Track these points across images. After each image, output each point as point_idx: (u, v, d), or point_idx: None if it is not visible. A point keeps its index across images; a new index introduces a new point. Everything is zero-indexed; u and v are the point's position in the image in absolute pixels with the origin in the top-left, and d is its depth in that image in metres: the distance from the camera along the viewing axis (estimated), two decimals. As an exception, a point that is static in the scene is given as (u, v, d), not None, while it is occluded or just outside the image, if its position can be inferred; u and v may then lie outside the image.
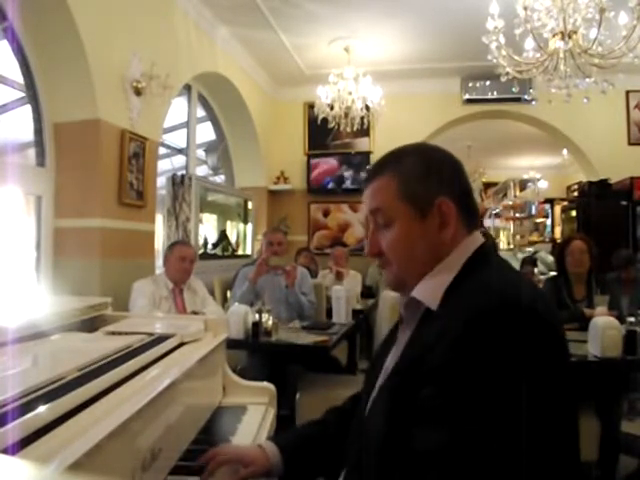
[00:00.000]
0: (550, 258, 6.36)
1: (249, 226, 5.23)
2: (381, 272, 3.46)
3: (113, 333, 1.21)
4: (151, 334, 1.19)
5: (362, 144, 5.80)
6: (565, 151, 6.81)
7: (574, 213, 5.82)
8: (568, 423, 0.72)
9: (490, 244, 0.88)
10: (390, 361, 0.87)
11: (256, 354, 2.84)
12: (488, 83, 5.39)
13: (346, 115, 4.68)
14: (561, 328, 0.77)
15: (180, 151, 4.66)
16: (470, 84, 5.48)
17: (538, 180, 9.18)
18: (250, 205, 5.24)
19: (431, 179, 0.85)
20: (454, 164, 0.89)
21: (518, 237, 8.57)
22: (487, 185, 10.56)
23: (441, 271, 0.83)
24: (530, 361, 0.67)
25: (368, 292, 4.64)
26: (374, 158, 5.73)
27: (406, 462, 0.70)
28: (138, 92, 3.11)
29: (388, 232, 0.87)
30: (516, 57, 3.01)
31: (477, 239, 0.87)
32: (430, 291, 0.81)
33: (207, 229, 4.36)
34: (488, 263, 0.83)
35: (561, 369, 0.71)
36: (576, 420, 0.74)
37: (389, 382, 0.81)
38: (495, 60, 3.00)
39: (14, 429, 0.60)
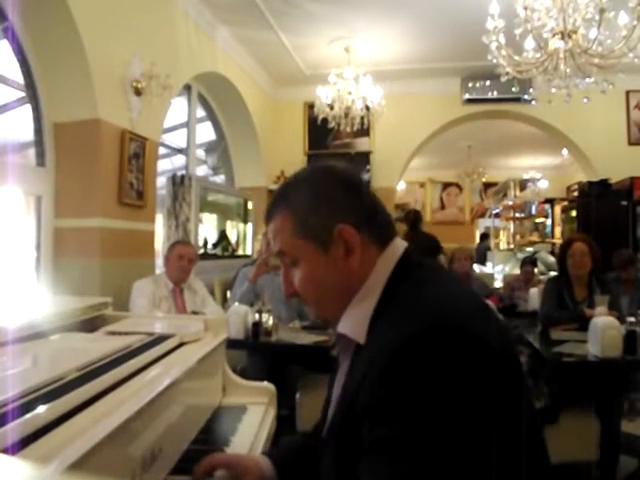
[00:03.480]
0: (550, 258, 6.36)
1: (249, 226, 5.22)
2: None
3: (113, 333, 1.21)
4: (151, 334, 1.19)
5: (362, 144, 5.79)
6: (565, 151, 6.82)
7: (574, 213, 5.82)
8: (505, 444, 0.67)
9: (412, 255, 0.83)
10: (337, 388, 0.85)
11: (256, 354, 2.84)
12: (488, 83, 5.39)
13: (346, 115, 4.68)
14: (494, 340, 0.70)
15: (180, 151, 4.66)
16: (470, 84, 5.48)
17: (538, 180, 9.18)
18: (250, 205, 5.23)
19: (323, 208, 0.80)
20: (347, 183, 0.83)
21: (518, 237, 8.56)
22: (487, 185, 10.57)
23: (362, 299, 0.79)
24: (459, 382, 0.64)
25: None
26: (374, 158, 5.74)
27: None
28: (138, 92, 3.11)
29: (297, 271, 0.83)
30: (516, 57, 3.01)
31: (396, 251, 0.81)
32: (355, 324, 0.78)
33: (207, 229, 4.36)
34: (410, 280, 0.78)
35: (494, 383, 0.66)
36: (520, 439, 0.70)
37: (333, 424, 0.79)
38: (495, 60, 3.00)
39: (14, 429, 0.60)
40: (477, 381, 0.65)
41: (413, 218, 5.22)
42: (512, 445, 0.67)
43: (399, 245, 0.83)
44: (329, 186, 0.83)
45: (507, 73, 3.02)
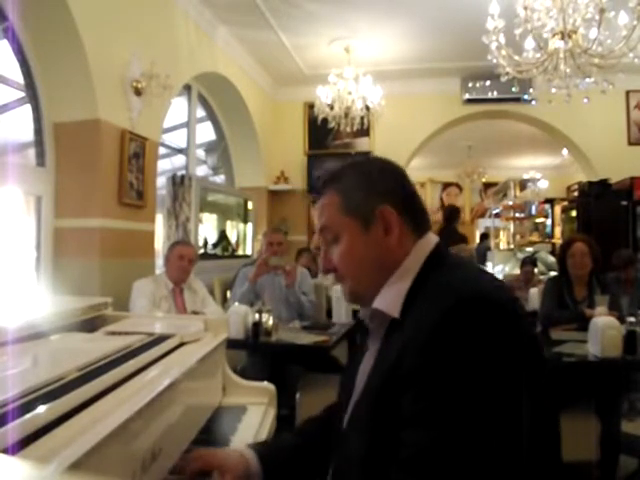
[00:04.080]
0: (550, 258, 6.36)
1: (249, 226, 5.23)
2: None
3: (113, 333, 1.21)
4: (151, 334, 1.19)
5: (362, 144, 5.79)
6: (565, 151, 6.81)
7: (574, 213, 5.82)
8: (540, 411, 0.74)
9: (443, 246, 0.90)
10: (362, 373, 0.87)
11: (256, 354, 2.84)
12: (488, 83, 5.39)
13: (346, 115, 4.68)
14: (525, 318, 0.79)
15: (180, 151, 4.66)
16: (470, 84, 5.48)
17: (538, 180, 9.18)
18: (250, 205, 5.23)
19: (370, 189, 0.87)
20: (393, 172, 0.92)
21: (518, 237, 8.56)
22: (487, 185, 10.56)
23: (398, 279, 0.84)
24: (496, 352, 0.69)
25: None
26: (374, 158, 5.73)
27: (392, 471, 0.70)
28: (138, 92, 3.11)
29: (337, 247, 0.89)
30: (516, 57, 3.01)
31: (430, 241, 0.88)
32: (390, 300, 0.83)
33: (207, 229, 4.36)
34: (444, 264, 0.85)
35: (526, 354, 0.73)
36: (552, 411, 0.77)
37: (366, 396, 0.81)
38: (495, 60, 3.00)
39: (14, 429, 0.60)
40: (513, 349, 0.71)
41: (449, 214, 5.58)
42: (540, 415, 0.73)
43: (433, 238, 0.89)
44: (376, 171, 0.91)
45: (507, 73, 3.02)
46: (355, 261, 0.88)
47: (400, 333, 0.77)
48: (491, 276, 0.90)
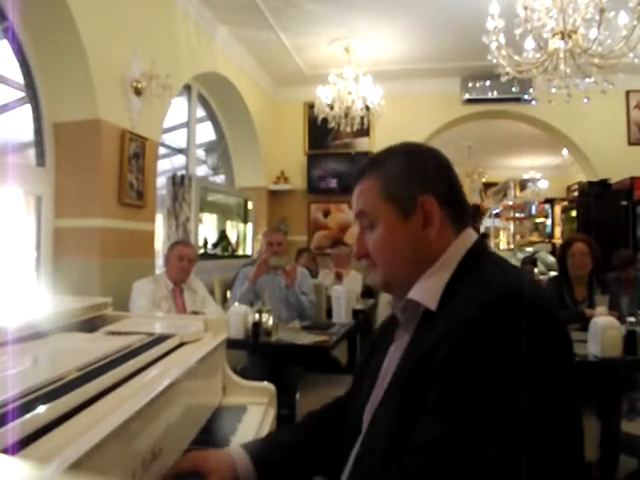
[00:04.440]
0: (550, 258, 6.37)
1: (249, 226, 5.23)
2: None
3: (113, 333, 1.21)
4: (151, 334, 1.19)
5: (362, 144, 5.79)
6: (565, 151, 6.81)
7: (574, 213, 5.82)
8: (571, 417, 0.73)
9: (484, 242, 0.88)
10: (389, 365, 0.86)
11: (256, 354, 2.84)
12: (488, 83, 5.39)
13: (346, 115, 4.68)
14: (564, 323, 0.77)
15: (180, 151, 4.66)
16: (470, 84, 5.48)
17: (538, 180, 9.19)
18: (250, 205, 5.24)
19: (413, 178, 0.85)
20: (439, 162, 0.89)
21: (518, 237, 8.57)
22: (487, 185, 10.57)
23: (436, 271, 0.82)
24: (534, 353, 0.68)
25: (369, 292, 4.64)
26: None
27: (404, 454, 0.70)
28: (138, 92, 3.11)
29: (373, 233, 0.86)
30: (516, 57, 3.01)
31: (470, 237, 0.86)
32: (427, 292, 0.81)
33: (207, 229, 4.36)
34: (484, 260, 0.83)
35: (565, 362, 0.72)
36: (579, 415, 0.75)
37: (395, 387, 0.80)
38: (495, 60, 3.00)
39: (14, 429, 0.60)
40: (546, 351, 0.69)
41: (473, 212, 5.61)
42: (571, 416, 0.73)
43: (473, 233, 0.88)
44: (423, 160, 0.88)
45: (507, 73, 3.02)
46: (390, 249, 0.85)
47: (435, 325, 0.75)
48: (531, 278, 0.92)
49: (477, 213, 5.98)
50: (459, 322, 0.71)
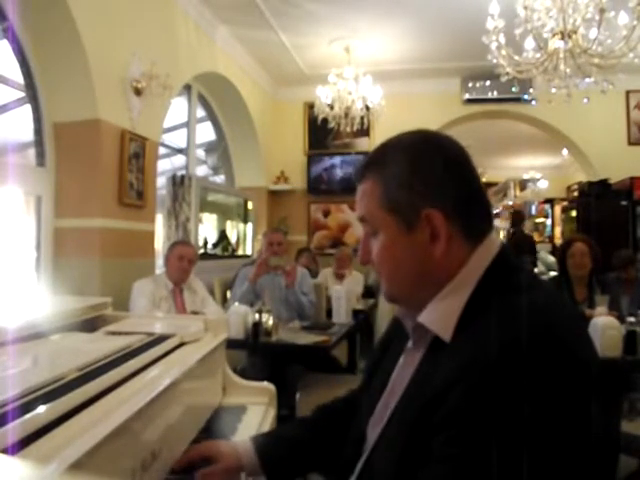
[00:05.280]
0: (550, 258, 6.36)
1: (249, 226, 5.23)
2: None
3: (113, 333, 1.21)
4: (151, 334, 1.19)
5: (362, 144, 5.79)
6: (565, 151, 6.81)
7: (574, 213, 5.82)
8: (594, 471, 0.64)
9: (509, 254, 0.77)
10: (395, 383, 0.80)
11: (256, 354, 2.84)
12: (488, 83, 5.40)
13: (346, 115, 4.68)
14: (594, 364, 0.66)
15: (180, 151, 4.66)
16: (470, 84, 5.48)
17: (538, 180, 9.19)
18: (250, 205, 5.24)
19: (417, 186, 0.75)
20: (450, 160, 0.77)
21: (518, 237, 8.55)
22: (487, 185, 10.56)
23: (451, 293, 0.73)
24: (562, 416, 0.59)
25: (369, 292, 4.64)
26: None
27: None
28: (138, 92, 3.11)
29: (376, 241, 0.79)
30: (516, 57, 3.01)
31: (491, 249, 0.75)
32: (440, 318, 0.72)
33: (207, 229, 4.36)
34: (509, 283, 0.72)
35: (592, 417, 0.62)
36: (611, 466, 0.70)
37: (401, 422, 0.73)
38: (495, 60, 3.01)
39: (14, 429, 0.60)
40: (575, 409, 0.61)
41: (515, 218, 6.27)
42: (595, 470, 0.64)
43: (495, 242, 0.77)
44: (429, 161, 0.76)
45: (507, 73, 3.02)
46: (392, 262, 0.78)
47: (448, 357, 0.67)
48: (565, 307, 0.74)
49: (520, 218, 6.24)
50: (475, 364, 0.62)
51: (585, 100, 3.07)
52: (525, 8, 2.79)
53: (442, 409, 0.63)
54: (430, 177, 0.75)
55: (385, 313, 3.40)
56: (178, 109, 4.45)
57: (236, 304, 2.73)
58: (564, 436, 0.59)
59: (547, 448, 0.58)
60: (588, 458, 0.61)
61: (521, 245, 5.52)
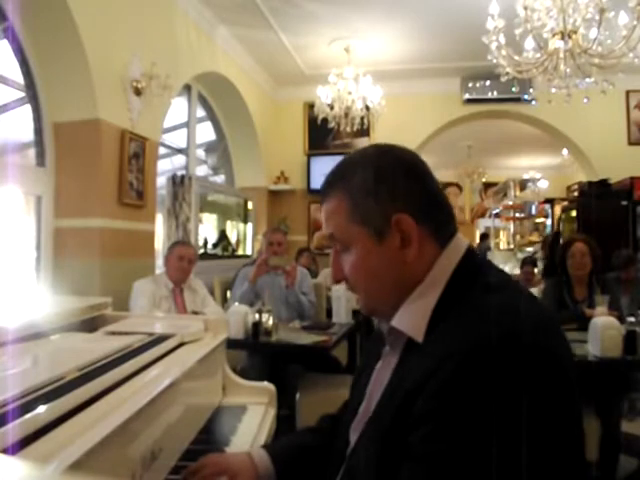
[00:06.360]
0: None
1: (249, 226, 5.23)
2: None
3: (113, 333, 1.21)
4: (151, 334, 1.19)
5: (362, 144, 5.77)
6: (565, 151, 6.81)
7: (574, 213, 5.82)
8: (575, 467, 0.66)
9: (476, 254, 0.79)
10: (374, 387, 0.81)
11: (256, 354, 2.84)
12: (488, 83, 5.40)
13: (346, 115, 4.68)
14: (567, 358, 0.68)
15: (180, 151, 4.67)
16: (470, 84, 5.48)
17: (538, 180, 9.19)
18: (250, 205, 5.24)
19: (383, 194, 0.75)
20: (411, 169, 0.78)
21: (518, 237, 8.57)
22: (487, 185, 10.58)
23: (421, 295, 0.74)
24: (532, 405, 0.60)
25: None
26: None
27: None
28: (138, 92, 3.11)
29: (348, 257, 0.79)
30: (516, 57, 3.01)
31: (457, 250, 0.77)
32: (412, 320, 0.73)
33: (207, 229, 4.36)
34: (476, 281, 0.73)
35: (568, 410, 0.64)
36: (583, 461, 0.69)
37: (377, 422, 0.74)
38: (495, 60, 3.00)
39: (14, 429, 0.60)
40: (546, 401, 0.61)
41: (552, 240, 6.30)
42: (576, 466, 0.65)
43: (462, 243, 0.78)
44: (390, 170, 0.77)
45: (507, 73, 3.02)
46: (367, 275, 0.78)
47: (421, 357, 0.68)
48: (533, 303, 0.74)
49: (554, 239, 6.31)
50: (445, 363, 0.63)
51: (585, 100, 3.07)
52: (525, 8, 2.79)
53: (416, 407, 0.64)
54: (394, 184, 0.76)
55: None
56: (178, 109, 4.45)
57: (236, 304, 2.73)
58: (537, 427, 0.60)
59: (521, 440, 0.59)
60: (562, 448, 0.62)
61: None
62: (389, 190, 0.76)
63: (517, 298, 0.73)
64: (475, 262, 0.77)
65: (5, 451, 0.57)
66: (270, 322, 2.54)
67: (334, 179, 0.81)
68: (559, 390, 0.63)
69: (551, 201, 9.58)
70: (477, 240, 9.74)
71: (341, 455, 0.84)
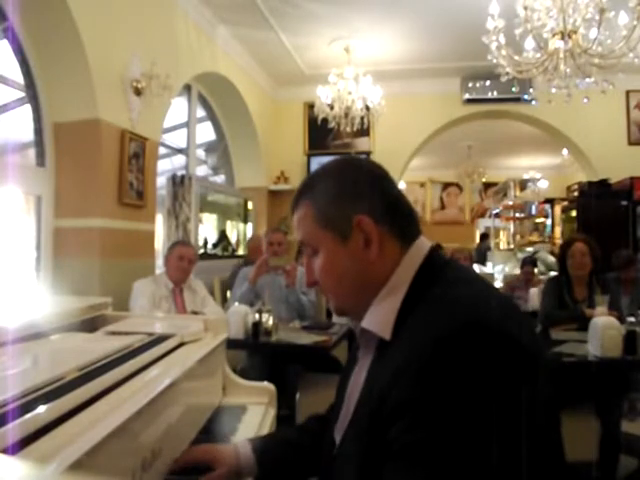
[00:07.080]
0: (550, 258, 6.36)
1: (249, 226, 5.23)
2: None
3: (113, 333, 1.21)
4: (151, 334, 1.19)
5: (362, 144, 5.80)
6: (565, 151, 6.81)
7: (574, 213, 5.82)
8: (549, 461, 0.67)
9: (440, 253, 0.82)
10: (353, 388, 0.83)
11: (256, 354, 2.84)
12: (488, 83, 5.40)
13: (346, 115, 4.68)
14: (528, 341, 0.70)
15: (180, 151, 4.67)
16: (470, 84, 5.48)
17: (538, 180, 9.19)
18: (250, 205, 5.24)
19: (345, 198, 0.81)
20: (371, 176, 0.84)
21: (518, 237, 8.57)
22: (487, 185, 10.58)
23: (387, 295, 0.77)
24: (502, 388, 0.63)
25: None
26: (374, 158, 5.73)
27: None
28: (138, 92, 3.11)
29: (317, 260, 0.84)
30: (516, 57, 3.01)
31: (421, 250, 0.80)
32: (380, 319, 0.76)
33: (207, 229, 4.36)
34: (440, 277, 0.77)
35: (531, 391, 0.66)
36: (560, 457, 0.70)
37: (356, 422, 0.76)
38: (495, 60, 3.00)
39: (14, 429, 0.60)
40: (513, 386, 0.64)
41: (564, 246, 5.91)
42: (540, 450, 0.66)
43: (425, 243, 0.82)
44: (351, 177, 0.83)
45: (507, 73, 3.02)
46: (335, 276, 0.82)
47: (391, 355, 0.71)
48: (497, 295, 0.78)
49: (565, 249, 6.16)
50: (413, 357, 0.66)
51: (585, 100, 3.07)
52: (525, 8, 2.79)
53: (390, 401, 0.66)
54: (355, 189, 0.82)
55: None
56: (178, 109, 4.45)
57: (236, 304, 2.73)
58: (506, 410, 0.62)
59: (492, 423, 0.61)
60: (533, 428, 0.63)
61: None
62: (350, 195, 0.81)
63: (481, 290, 0.76)
64: (439, 261, 0.81)
65: (5, 451, 0.57)
66: (270, 322, 2.54)
67: (302, 190, 0.87)
68: (522, 373, 0.65)
69: (551, 201, 9.58)
70: (477, 240, 9.74)
71: (329, 456, 0.86)
